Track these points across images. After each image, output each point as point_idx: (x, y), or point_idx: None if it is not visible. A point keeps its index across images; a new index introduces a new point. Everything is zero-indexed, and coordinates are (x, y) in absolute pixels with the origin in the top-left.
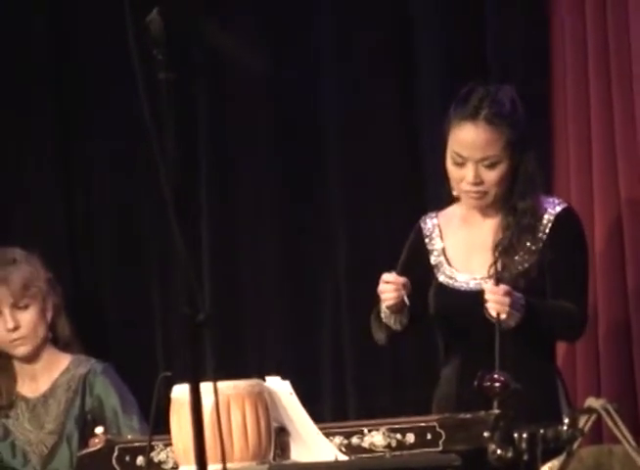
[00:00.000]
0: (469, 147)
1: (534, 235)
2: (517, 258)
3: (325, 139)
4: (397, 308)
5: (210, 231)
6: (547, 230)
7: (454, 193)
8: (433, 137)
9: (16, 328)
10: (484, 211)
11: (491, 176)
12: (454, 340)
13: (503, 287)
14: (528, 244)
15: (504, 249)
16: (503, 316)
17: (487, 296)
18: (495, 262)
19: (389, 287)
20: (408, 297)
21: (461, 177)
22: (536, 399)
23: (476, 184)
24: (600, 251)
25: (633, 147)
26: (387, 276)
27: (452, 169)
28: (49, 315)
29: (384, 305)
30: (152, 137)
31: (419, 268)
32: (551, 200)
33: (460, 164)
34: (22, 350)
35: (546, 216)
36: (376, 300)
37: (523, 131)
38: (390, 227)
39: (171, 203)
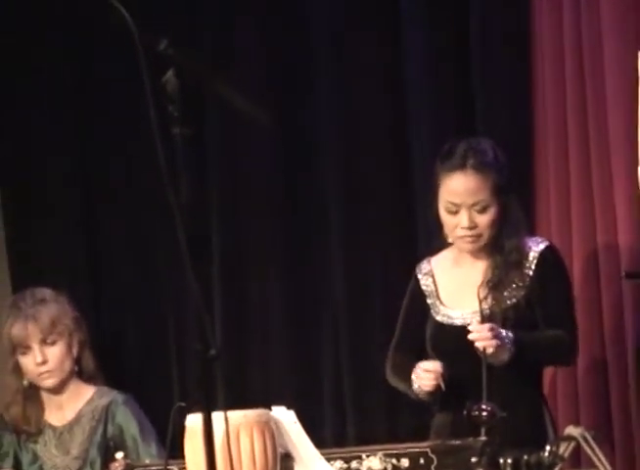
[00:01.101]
0: (461, 194)
1: (521, 271)
2: (505, 293)
3: (324, 190)
4: (433, 392)
5: (221, 274)
6: (533, 266)
7: (449, 240)
8: (425, 191)
9: (44, 362)
10: (475, 253)
11: (484, 219)
12: (449, 372)
13: (487, 325)
14: (516, 279)
15: (494, 285)
16: (490, 350)
17: (472, 335)
18: (484, 299)
19: (429, 376)
20: (443, 381)
21: (455, 224)
22: (525, 426)
23: (470, 228)
24: (577, 291)
25: (609, 193)
26: (426, 365)
27: (447, 218)
28: (75, 350)
29: (420, 389)
30: (167, 187)
31: (419, 310)
32: (534, 239)
33: (454, 213)
34: (49, 382)
35: (531, 254)
36: (407, 373)
37: (506, 176)
38: (384, 267)
39: (185, 248)
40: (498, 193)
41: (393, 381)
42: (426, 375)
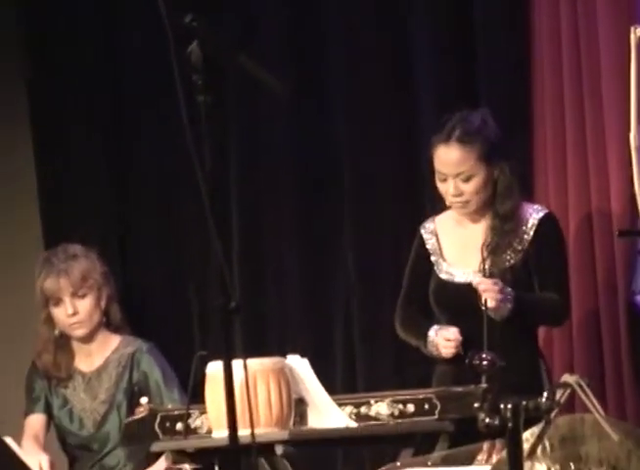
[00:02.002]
0: (446, 165)
1: (520, 236)
2: (504, 256)
3: (338, 166)
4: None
5: (240, 232)
6: (531, 232)
7: (447, 203)
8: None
9: (74, 314)
10: (472, 215)
11: (469, 188)
12: (452, 325)
13: (492, 279)
14: (514, 244)
15: (492, 249)
16: (493, 303)
17: (480, 286)
18: (484, 260)
19: (450, 344)
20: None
21: (445, 191)
22: (523, 374)
23: (456, 196)
24: (573, 249)
25: (602, 158)
26: (446, 334)
27: (439, 185)
28: (103, 303)
29: (438, 352)
30: (192, 152)
31: (424, 267)
32: (535, 207)
33: (443, 181)
34: (79, 332)
35: (531, 220)
36: (420, 332)
37: (494, 144)
38: (394, 230)
39: (208, 209)
40: (484, 162)
41: (403, 335)
42: (447, 344)
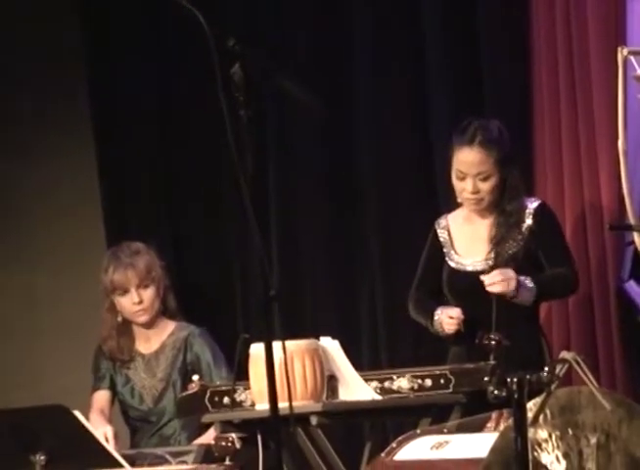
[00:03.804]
0: (467, 165)
1: (520, 228)
2: (507, 245)
3: (361, 167)
4: (453, 334)
5: (277, 229)
6: (530, 220)
7: (459, 200)
8: (442, 163)
9: (140, 302)
10: (481, 212)
11: (485, 187)
12: (463, 309)
13: (495, 271)
14: (516, 235)
15: (497, 241)
16: (499, 289)
17: (488, 287)
18: (492, 250)
19: (453, 321)
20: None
21: (462, 188)
22: (526, 353)
23: (474, 193)
24: (568, 236)
25: (594, 161)
26: (450, 312)
27: (456, 183)
28: (161, 293)
29: (443, 330)
30: (235, 159)
31: (437, 256)
32: (530, 199)
33: (462, 179)
34: (143, 318)
35: (527, 211)
36: (428, 312)
37: (507, 152)
38: (411, 225)
39: (250, 208)
40: (499, 165)
41: (414, 315)
42: (450, 321)
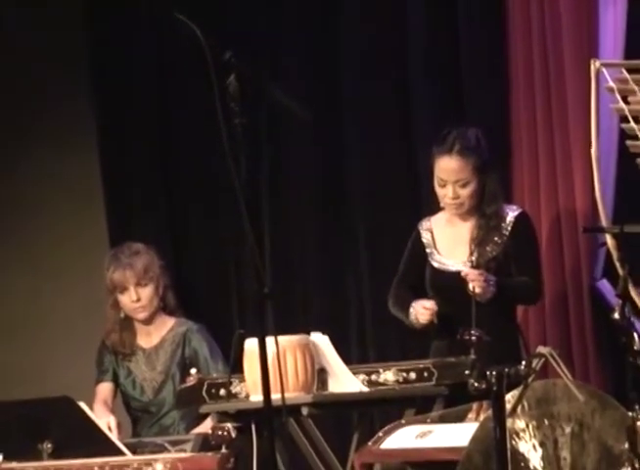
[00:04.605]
0: (447, 173)
1: (500, 232)
2: (488, 248)
3: (350, 174)
4: (427, 325)
5: (270, 231)
6: (509, 228)
7: (441, 205)
8: (425, 169)
9: (138, 300)
10: (463, 216)
11: (465, 193)
12: (445, 306)
13: (478, 270)
14: (496, 238)
15: (478, 242)
16: (478, 290)
17: (469, 276)
18: (473, 252)
19: (427, 311)
20: (436, 317)
21: (444, 194)
22: (504, 348)
23: (454, 199)
24: (544, 243)
25: (569, 169)
26: (424, 303)
27: (438, 189)
28: (160, 291)
29: (417, 320)
30: (230, 164)
31: (419, 255)
32: (511, 206)
33: (442, 186)
34: (141, 315)
35: (508, 218)
36: (405, 306)
37: (486, 159)
38: (396, 228)
39: (244, 210)
40: (478, 172)
41: (394, 310)
42: (423, 311)
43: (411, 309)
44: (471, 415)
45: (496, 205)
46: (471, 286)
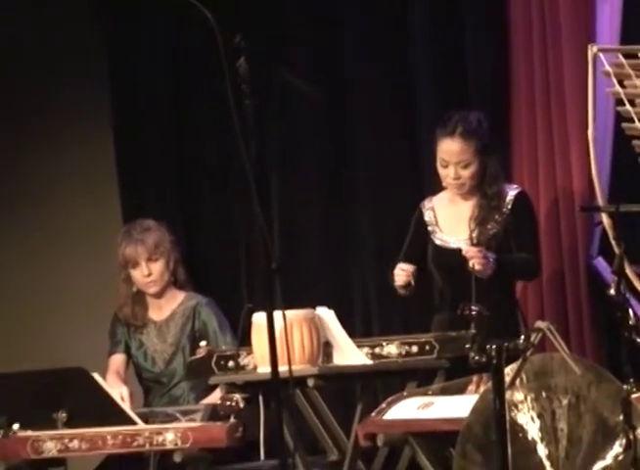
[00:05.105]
0: (449, 154)
1: (500, 211)
2: (488, 226)
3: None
4: (405, 286)
5: (279, 210)
6: (509, 206)
7: (443, 184)
8: (428, 152)
9: (149, 275)
10: (464, 195)
11: (466, 174)
12: (446, 282)
13: (478, 247)
14: (496, 217)
15: (479, 221)
16: (477, 267)
17: (468, 253)
18: (474, 230)
19: (403, 273)
20: (414, 279)
21: (446, 175)
22: (503, 323)
23: (455, 179)
24: (542, 222)
25: (566, 149)
26: (402, 265)
27: (440, 170)
28: (171, 266)
29: (395, 283)
30: (241, 144)
31: (421, 233)
32: (510, 185)
33: (445, 166)
34: (152, 289)
35: (508, 197)
36: (392, 277)
37: (487, 142)
38: (399, 206)
39: (253, 190)
40: (479, 154)
41: (391, 281)
42: (400, 272)
43: (394, 271)
44: (471, 387)
45: (497, 186)
46: (470, 263)
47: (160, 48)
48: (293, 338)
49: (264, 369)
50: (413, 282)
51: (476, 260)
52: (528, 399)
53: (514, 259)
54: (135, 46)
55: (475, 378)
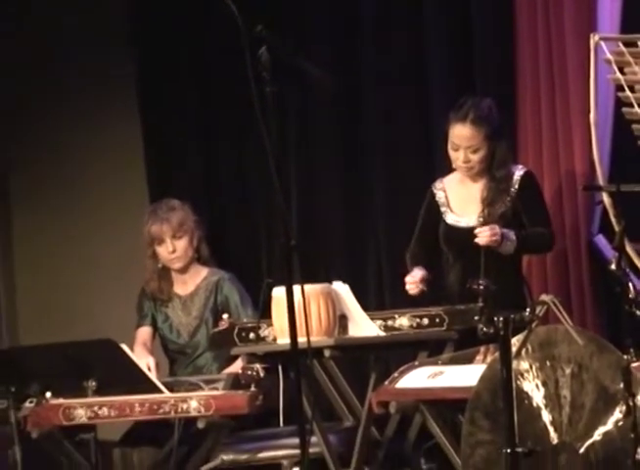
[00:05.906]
0: (460, 138)
1: (508, 192)
2: (497, 206)
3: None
4: (419, 294)
5: (297, 188)
6: (516, 185)
7: (453, 166)
8: (440, 133)
9: (174, 251)
10: (473, 177)
11: (475, 158)
12: (456, 259)
13: (487, 226)
14: (504, 197)
15: (489, 202)
16: (482, 242)
17: (478, 239)
18: (484, 210)
19: (413, 285)
20: (426, 284)
21: (456, 158)
22: (510, 296)
23: (465, 162)
24: (546, 198)
25: (568, 132)
26: (409, 278)
27: (451, 153)
28: (195, 243)
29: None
30: (262, 127)
31: (434, 214)
32: (516, 166)
33: (455, 150)
34: (177, 265)
35: (515, 177)
36: (418, 260)
37: (496, 128)
38: (412, 186)
39: (273, 170)
40: (488, 140)
41: (409, 265)
42: (411, 285)
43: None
44: (479, 357)
45: (505, 169)
46: (476, 240)
47: (186, 37)
48: (310, 311)
49: (283, 340)
50: (425, 287)
51: (485, 240)
52: (533, 368)
53: (532, 234)
54: (162, 32)
55: (482, 348)
